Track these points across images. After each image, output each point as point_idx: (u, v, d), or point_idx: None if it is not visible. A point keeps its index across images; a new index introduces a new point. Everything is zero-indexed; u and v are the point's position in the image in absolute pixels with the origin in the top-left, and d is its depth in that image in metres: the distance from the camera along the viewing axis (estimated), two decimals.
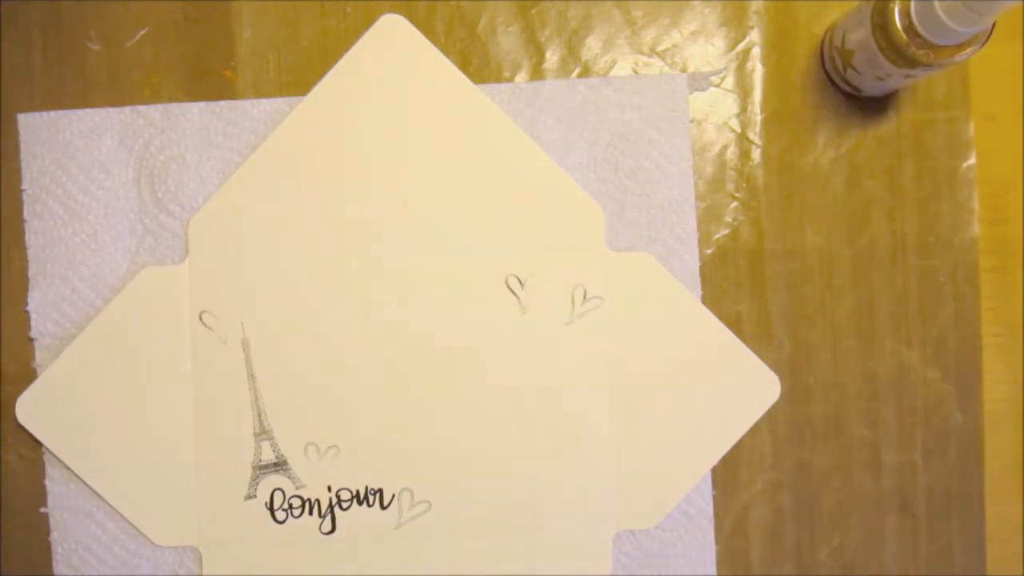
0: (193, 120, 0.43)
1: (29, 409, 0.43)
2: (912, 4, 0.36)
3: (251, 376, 0.43)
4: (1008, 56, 0.45)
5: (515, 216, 0.43)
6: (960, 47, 0.37)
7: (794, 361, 0.44)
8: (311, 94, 0.43)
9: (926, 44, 0.37)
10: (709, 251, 0.44)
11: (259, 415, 0.43)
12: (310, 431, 0.43)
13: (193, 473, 0.43)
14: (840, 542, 0.44)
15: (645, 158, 0.43)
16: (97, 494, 0.43)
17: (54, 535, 0.43)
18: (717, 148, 0.44)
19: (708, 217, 0.44)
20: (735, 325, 0.44)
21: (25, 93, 0.44)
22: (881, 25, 0.37)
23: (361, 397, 0.43)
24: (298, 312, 0.43)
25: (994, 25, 0.36)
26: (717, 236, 0.44)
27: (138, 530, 0.43)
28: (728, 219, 0.44)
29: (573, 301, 0.43)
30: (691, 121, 0.44)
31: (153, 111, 0.43)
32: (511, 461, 0.43)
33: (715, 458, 0.43)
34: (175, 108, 0.43)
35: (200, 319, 0.42)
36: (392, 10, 0.43)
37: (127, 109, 0.43)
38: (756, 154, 0.44)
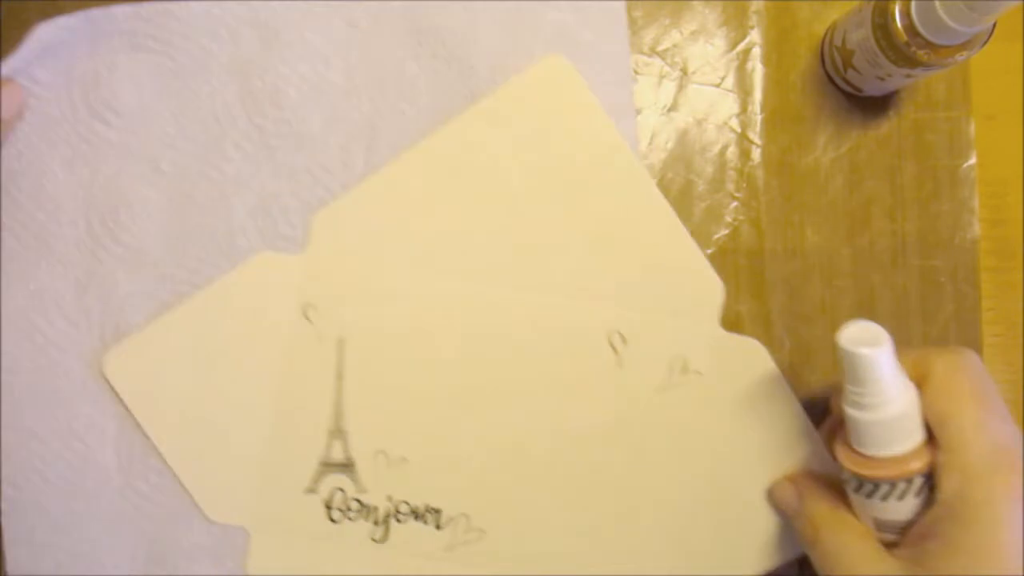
0: (119, 25, 0.42)
1: (116, 366, 0.43)
2: (912, 4, 0.36)
3: (339, 376, 0.42)
4: (1008, 56, 0.45)
5: (635, 275, 0.42)
6: (960, 47, 0.37)
7: (794, 361, 0.44)
8: (460, 117, 0.42)
9: (926, 44, 0.37)
10: (709, 251, 0.44)
11: (337, 414, 0.42)
12: (383, 439, 0.43)
13: (261, 456, 0.43)
14: None
15: (582, 61, 0.43)
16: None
17: None
18: (717, 148, 0.44)
19: (708, 217, 0.44)
20: (735, 325, 0.44)
21: None
22: (881, 25, 0.37)
23: (441, 416, 0.43)
24: (398, 325, 0.42)
25: (994, 25, 0.36)
26: (717, 236, 0.44)
27: (193, 500, 0.43)
28: (728, 219, 0.44)
29: (671, 370, 0.42)
30: (691, 120, 0.44)
31: (75, 20, 0.41)
32: (573, 510, 0.43)
33: (792, 552, 0.42)
34: (96, 13, 0.41)
35: (304, 313, 0.42)
36: None
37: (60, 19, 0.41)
38: (756, 154, 0.44)
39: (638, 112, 0.44)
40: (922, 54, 0.37)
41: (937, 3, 0.35)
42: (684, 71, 0.44)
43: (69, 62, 0.42)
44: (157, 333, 0.43)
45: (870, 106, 0.44)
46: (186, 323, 0.43)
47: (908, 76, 0.39)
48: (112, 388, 0.43)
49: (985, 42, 0.37)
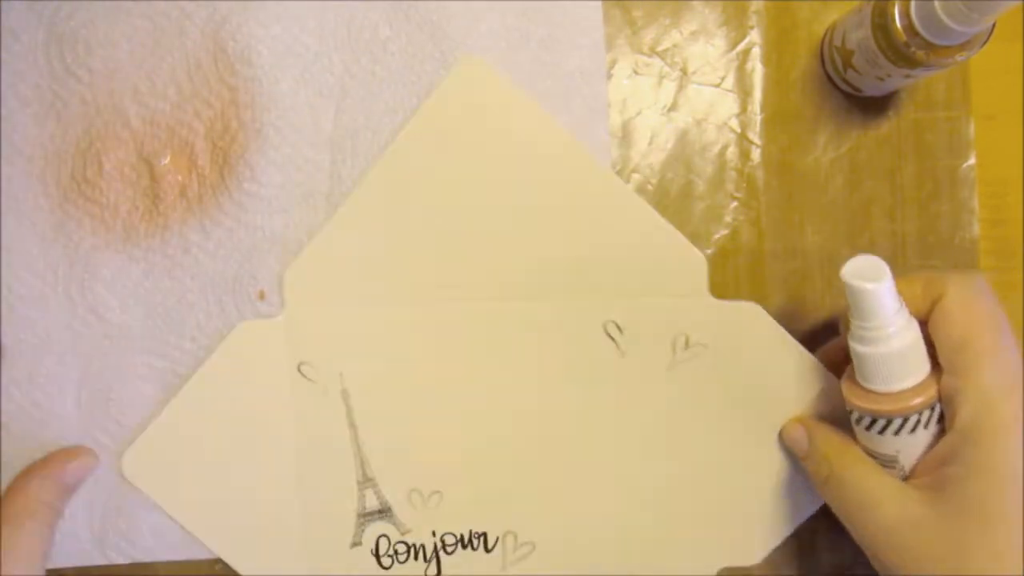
0: None
1: (134, 464, 0.42)
2: (912, 4, 0.36)
3: (352, 426, 0.42)
4: (1008, 56, 0.45)
5: (612, 262, 0.42)
6: (960, 47, 0.37)
7: None
8: (395, 143, 0.42)
9: (926, 44, 0.37)
10: (709, 251, 0.44)
11: (362, 464, 0.42)
12: (413, 477, 0.43)
13: (299, 521, 0.42)
14: (840, 541, 0.44)
15: (555, 26, 0.43)
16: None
17: None
18: (717, 148, 0.44)
19: (708, 217, 0.44)
20: None
21: None
22: (881, 25, 0.37)
23: (461, 442, 0.43)
24: (396, 361, 0.42)
25: (994, 25, 0.36)
26: (717, 236, 0.44)
27: None
28: (728, 219, 0.44)
29: (675, 348, 0.42)
30: (691, 120, 0.44)
31: None
32: (613, 501, 0.43)
33: (819, 498, 0.43)
34: None
35: (299, 371, 0.42)
36: None
37: None
38: (756, 154, 0.44)
39: (638, 113, 0.44)
40: (921, 54, 0.37)
41: (937, 3, 0.35)
42: (684, 71, 0.44)
43: (51, 20, 0.42)
44: (165, 424, 0.42)
45: (870, 106, 0.44)
46: (190, 407, 0.42)
47: (908, 76, 0.39)
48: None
49: (985, 42, 0.37)
